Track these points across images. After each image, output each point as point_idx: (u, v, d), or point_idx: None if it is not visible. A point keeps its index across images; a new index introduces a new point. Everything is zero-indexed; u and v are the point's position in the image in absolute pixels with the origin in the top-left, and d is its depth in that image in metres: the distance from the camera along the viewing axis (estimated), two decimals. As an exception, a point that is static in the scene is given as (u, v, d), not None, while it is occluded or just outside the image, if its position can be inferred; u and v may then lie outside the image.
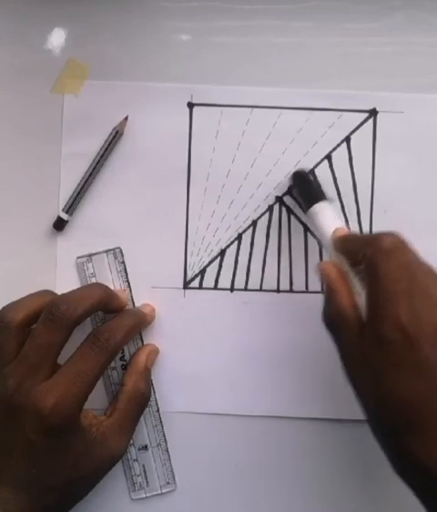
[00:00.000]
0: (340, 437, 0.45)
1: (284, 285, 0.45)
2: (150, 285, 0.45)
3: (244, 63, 0.45)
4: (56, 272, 0.46)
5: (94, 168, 0.45)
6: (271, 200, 0.46)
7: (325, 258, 0.45)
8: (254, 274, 0.46)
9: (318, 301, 0.45)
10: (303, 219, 0.46)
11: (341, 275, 0.39)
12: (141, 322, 0.44)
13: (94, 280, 0.45)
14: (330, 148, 0.45)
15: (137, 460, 0.45)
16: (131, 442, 0.45)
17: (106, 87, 0.45)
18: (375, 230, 0.45)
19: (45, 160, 0.45)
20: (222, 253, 0.46)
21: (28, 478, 0.39)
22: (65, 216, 0.45)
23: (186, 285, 0.46)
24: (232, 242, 0.46)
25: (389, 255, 0.36)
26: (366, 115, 0.45)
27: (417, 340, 0.34)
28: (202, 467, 0.45)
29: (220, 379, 0.45)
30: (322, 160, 0.45)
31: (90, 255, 0.45)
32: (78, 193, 0.45)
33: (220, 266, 0.46)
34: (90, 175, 0.45)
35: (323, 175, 0.45)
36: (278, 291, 0.45)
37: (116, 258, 0.45)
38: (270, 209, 0.46)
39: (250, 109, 0.45)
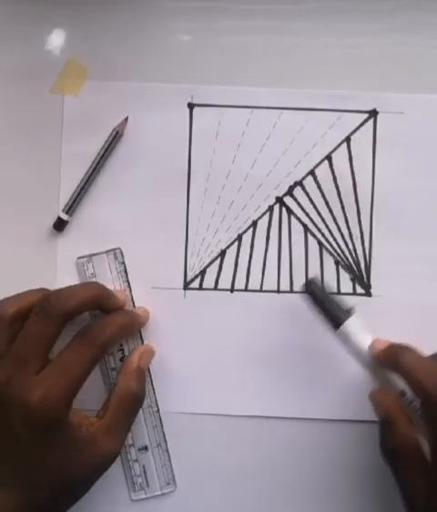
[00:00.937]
0: (340, 438, 0.45)
1: (284, 286, 0.45)
2: (150, 286, 0.45)
3: (244, 63, 0.45)
4: (57, 273, 0.46)
5: (94, 169, 0.45)
6: (271, 201, 0.46)
7: (327, 269, 0.46)
8: (254, 275, 0.46)
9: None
10: (303, 219, 0.46)
11: (398, 406, 0.40)
12: (133, 321, 0.44)
13: (94, 280, 0.45)
14: (331, 149, 0.45)
15: (137, 461, 0.45)
16: (131, 442, 0.45)
17: (106, 87, 0.45)
18: (375, 230, 0.45)
19: (46, 161, 0.45)
20: (222, 254, 0.46)
21: (17, 477, 0.39)
22: (65, 216, 0.45)
23: (186, 286, 0.46)
24: (232, 243, 0.46)
25: None
26: (366, 115, 0.45)
27: None
28: (202, 468, 0.45)
29: (220, 380, 0.45)
30: (322, 161, 0.45)
31: (90, 255, 0.45)
32: (78, 194, 0.45)
33: (220, 267, 0.46)
34: (90, 176, 0.45)
35: (323, 175, 0.45)
36: (278, 291, 0.45)
37: (116, 258, 0.45)
38: (271, 209, 0.46)
39: (250, 110, 0.45)
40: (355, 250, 0.45)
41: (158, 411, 0.45)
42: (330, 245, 0.46)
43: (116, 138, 0.45)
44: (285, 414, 0.45)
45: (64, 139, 0.45)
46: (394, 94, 0.45)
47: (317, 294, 0.42)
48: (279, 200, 0.46)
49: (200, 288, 0.46)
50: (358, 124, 0.45)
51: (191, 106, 0.45)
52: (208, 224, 0.46)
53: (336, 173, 0.45)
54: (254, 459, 0.45)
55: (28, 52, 0.45)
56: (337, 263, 0.46)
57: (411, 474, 0.38)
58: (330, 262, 0.46)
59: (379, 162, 0.45)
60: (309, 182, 0.45)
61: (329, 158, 0.45)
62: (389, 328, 0.45)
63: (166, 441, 0.45)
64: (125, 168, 0.45)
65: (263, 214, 0.46)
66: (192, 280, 0.46)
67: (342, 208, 0.45)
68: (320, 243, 0.46)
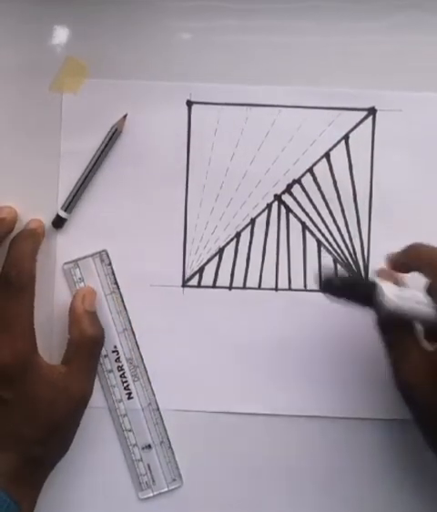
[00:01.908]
0: (341, 434, 0.45)
1: (282, 283, 0.45)
2: (149, 283, 0.45)
3: (243, 61, 0.45)
4: (56, 270, 0.46)
5: (93, 167, 0.45)
6: (270, 199, 0.46)
7: (324, 259, 0.46)
8: (252, 272, 0.46)
9: (316, 298, 0.45)
10: (302, 217, 0.46)
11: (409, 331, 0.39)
12: (37, 239, 0.44)
13: (82, 285, 0.45)
14: (329, 147, 0.45)
15: (141, 460, 0.45)
16: (134, 442, 0.45)
17: (105, 85, 0.45)
18: (373, 228, 0.45)
19: (44, 158, 0.45)
20: (221, 252, 0.46)
21: (8, 435, 0.41)
22: (64, 214, 0.45)
23: (184, 283, 0.46)
24: (231, 241, 0.46)
25: None
26: (365, 113, 0.45)
27: None
28: (207, 462, 0.46)
29: (219, 377, 0.45)
30: (321, 159, 0.45)
31: (76, 260, 0.45)
32: (77, 191, 0.45)
33: (219, 264, 0.46)
34: (89, 173, 0.45)
35: (322, 173, 0.45)
36: (276, 289, 0.45)
37: (102, 261, 0.45)
38: (269, 207, 0.46)
39: (249, 108, 0.45)
40: (353, 247, 0.45)
41: (158, 409, 0.45)
42: (329, 243, 0.46)
43: (114, 135, 0.45)
44: (284, 412, 0.45)
45: (62, 137, 0.45)
46: (393, 92, 0.45)
47: (338, 288, 0.40)
48: (278, 198, 0.46)
49: (199, 285, 0.46)
50: (356, 122, 0.45)
51: (190, 103, 0.45)
52: (207, 222, 0.46)
53: (334, 171, 0.45)
54: (257, 455, 0.46)
55: (27, 49, 0.45)
56: (335, 261, 0.46)
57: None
58: (328, 260, 0.46)
59: (377, 160, 0.45)
60: (307, 180, 0.45)
61: (327, 155, 0.45)
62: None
63: (168, 438, 0.45)
64: (124, 165, 0.45)
65: (261, 212, 0.46)
66: (190, 277, 0.46)
67: (341, 206, 0.45)
68: (318, 241, 0.46)
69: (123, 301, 0.46)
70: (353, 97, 0.45)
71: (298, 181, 0.46)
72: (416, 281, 0.39)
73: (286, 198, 0.46)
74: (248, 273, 0.46)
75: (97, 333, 0.44)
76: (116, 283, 0.45)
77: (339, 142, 0.45)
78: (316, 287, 0.45)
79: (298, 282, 0.45)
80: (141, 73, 0.45)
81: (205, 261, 0.46)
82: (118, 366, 0.45)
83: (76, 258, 0.45)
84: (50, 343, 0.44)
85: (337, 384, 0.45)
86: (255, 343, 0.45)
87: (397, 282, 0.40)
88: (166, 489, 0.45)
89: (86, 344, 0.43)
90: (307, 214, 0.46)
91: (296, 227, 0.46)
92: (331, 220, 0.46)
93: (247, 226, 0.46)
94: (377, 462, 0.45)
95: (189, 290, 0.46)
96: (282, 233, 0.46)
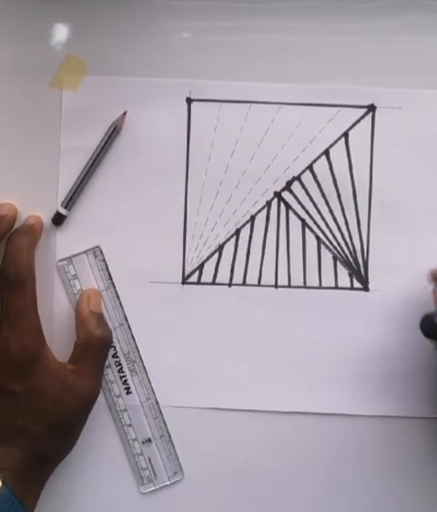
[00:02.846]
0: (338, 430, 0.46)
1: (282, 280, 0.46)
2: (148, 280, 0.46)
3: (242, 59, 0.45)
4: (56, 267, 0.46)
5: (92, 164, 0.45)
6: (270, 196, 0.46)
7: (325, 264, 0.46)
8: (252, 269, 0.46)
9: (315, 296, 0.46)
10: (301, 214, 0.46)
11: None
12: (34, 235, 0.44)
13: (76, 282, 0.45)
14: (329, 144, 0.45)
15: (142, 454, 0.46)
16: (134, 436, 0.45)
17: (105, 82, 0.45)
18: (373, 225, 0.45)
19: (44, 155, 0.45)
20: (220, 248, 0.46)
21: (16, 431, 0.41)
22: (63, 211, 0.45)
23: (184, 280, 0.46)
24: (230, 237, 0.46)
25: None
26: (364, 110, 0.45)
27: None
28: (208, 455, 0.46)
29: (218, 374, 0.45)
30: (320, 156, 0.45)
31: (70, 257, 0.45)
32: (77, 188, 0.45)
33: (218, 261, 0.46)
34: (89, 170, 0.45)
35: (321, 170, 0.45)
36: (275, 286, 0.46)
37: (96, 257, 0.46)
38: (269, 204, 0.46)
39: (249, 105, 0.45)
40: (353, 244, 0.46)
41: (157, 402, 0.46)
42: (328, 240, 0.46)
43: (114, 132, 0.45)
44: (284, 409, 0.46)
45: (62, 134, 0.45)
46: (392, 89, 0.45)
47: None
48: (278, 195, 0.46)
49: (198, 282, 0.46)
50: (356, 119, 0.45)
51: (190, 101, 0.45)
52: (207, 219, 0.46)
53: (334, 168, 0.45)
54: (257, 450, 0.46)
55: (27, 46, 0.45)
56: (335, 258, 0.46)
57: None
58: (327, 257, 0.46)
59: (377, 157, 0.45)
60: (307, 177, 0.45)
61: (327, 153, 0.45)
62: (386, 323, 0.45)
63: (168, 431, 0.46)
64: (123, 162, 0.45)
65: (261, 209, 0.46)
66: (190, 274, 0.46)
67: (340, 203, 0.45)
68: (317, 238, 0.46)
69: (118, 296, 0.46)
70: (353, 94, 0.45)
71: (297, 178, 0.46)
72: None
73: (286, 195, 0.46)
74: (248, 270, 0.46)
75: (105, 334, 0.44)
76: (110, 279, 0.46)
77: (338, 139, 0.45)
78: (315, 284, 0.46)
79: (297, 279, 0.45)
80: (141, 70, 0.45)
81: (205, 257, 0.46)
82: (116, 362, 0.46)
83: (69, 255, 0.46)
84: (50, 340, 0.44)
85: (336, 381, 0.45)
86: (254, 340, 0.45)
87: None
88: (167, 483, 0.46)
89: (94, 345, 0.44)
90: (306, 211, 0.46)
91: (295, 224, 0.46)
92: (331, 218, 0.46)
93: (246, 223, 0.46)
94: (379, 459, 0.45)
95: (189, 286, 0.46)
96: (282, 230, 0.46)
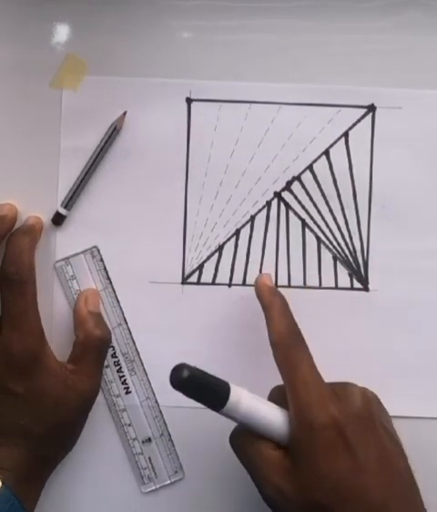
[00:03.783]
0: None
1: (282, 280, 0.46)
2: (148, 280, 0.46)
3: (242, 59, 0.45)
4: (55, 267, 0.46)
5: (92, 164, 0.45)
6: (269, 196, 0.46)
7: (325, 264, 0.46)
8: (252, 270, 0.46)
9: (315, 296, 0.46)
10: (301, 214, 0.46)
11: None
12: (34, 235, 0.44)
13: (74, 282, 0.45)
14: (329, 144, 0.45)
15: (142, 453, 0.46)
16: (134, 436, 0.45)
17: (105, 82, 0.45)
18: (373, 225, 0.45)
19: (44, 155, 0.45)
20: (220, 249, 0.46)
21: (17, 431, 0.41)
22: (63, 211, 0.45)
23: (184, 280, 0.46)
24: (230, 238, 0.46)
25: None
26: (364, 110, 0.45)
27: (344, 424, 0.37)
28: (209, 454, 0.46)
29: (218, 374, 0.45)
30: (320, 156, 0.45)
31: (68, 257, 0.45)
32: (77, 188, 0.45)
33: (218, 261, 0.46)
34: (89, 170, 0.45)
35: (321, 170, 0.45)
36: (276, 286, 0.46)
37: (93, 257, 0.46)
38: (269, 204, 0.46)
39: (249, 105, 0.45)
40: (353, 245, 0.46)
41: (157, 402, 0.46)
42: (328, 240, 0.46)
43: (114, 132, 0.45)
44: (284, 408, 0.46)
45: (62, 134, 0.45)
46: (392, 89, 0.45)
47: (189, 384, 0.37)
48: (278, 195, 0.46)
49: (198, 282, 0.46)
50: (356, 119, 0.45)
51: (189, 101, 0.45)
52: (207, 219, 0.46)
53: (334, 168, 0.45)
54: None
55: (27, 46, 0.45)
56: (335, 258, 0.46)
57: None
58: (327, 257, 0.46)
59: (377, 157, 0.45)
60: (307, 177, 0.46)
61: (327, 153, 0.45)
62: (386, 323, 0.45)
63: (168, 430, 0.46)
64: (123, 162, 0.45)
65: (261, 209, 0.46)
66: (190, 274, 0.46)
67: (340, 203, 0.45)
68: (317, 238, 0.46)
69: (116, 296, 0.46)
70: (353, 94, 0.45)
71: (297, 178, 0.46)
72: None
73: (285, 195, 0.46)
74: (248, 270, 0.46)
75: (103, 334, 0.44)
76: (108, 279, 0.46)
77: (338, 139, 0.45)
78: (315, 284, 0.46)
79: (297, 280, 0.45)
80: (141, 70, 0.45)
81: (204, 258, 0.46)
82: (115, 361, 0.46)
83: (67, 255, 0.46)
84: (50, 340, 0.44)
85: (335, 380, 0.45)
86: (254, 340, 0.45)
87: None
88: (168, 482, 0.46)
89: (93, 345, 0.44)
90: (306, 211, 0.46)
91: (295, 224, 0.46)
92: (331, 218, 0.46)
93: (246, 223, 0.46)
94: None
95: (189, 287, 0.46)
96: (282, 230, 0.46)
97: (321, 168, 0.45)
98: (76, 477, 0.46)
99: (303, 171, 0.46)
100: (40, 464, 0.42)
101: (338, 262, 0.46)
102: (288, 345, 0.40)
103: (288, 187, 0.46)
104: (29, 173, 0.46)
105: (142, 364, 0.46)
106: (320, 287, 0.46)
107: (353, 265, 0.46)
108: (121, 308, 0.46)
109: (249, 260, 0.46)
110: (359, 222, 0.45)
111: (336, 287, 0.46)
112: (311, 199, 0.46)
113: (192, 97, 0.45)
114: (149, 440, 0.46)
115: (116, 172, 0.45)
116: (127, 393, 0.46)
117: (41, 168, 0.45)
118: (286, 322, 0.41)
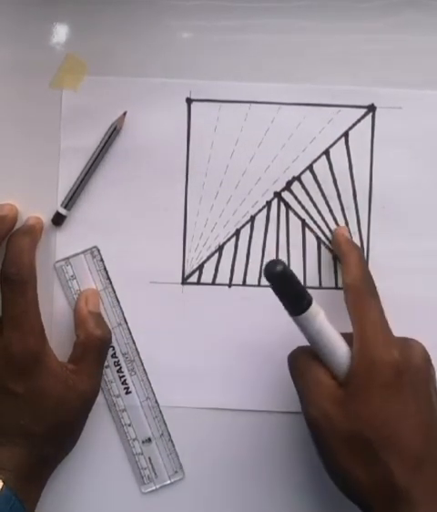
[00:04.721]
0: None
1: (282, 281, 0.46)
2: (148, 280, 0.46)
3: (243, 59, 0.45)
4: (55, 267, 0.46)
5: (92, 164, 0.45)
6: (270, 196, 0.46)
7: (325, 265, 0.46)
8: (252, 270, 0.46)
9: (315, 296, 0.45)
10: (301, 215, 0.46)
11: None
12: (35, 236, 0.44)
13: (74, 282, 0.45)
14: (329, 144, 0.45)
15: (142, 454, 0.46)
16: (134, 436, 0.45)
17: (105, 82, 0.45)
18: (373, 225, 0.45)
19: (44, 155, 0.45)
20: (220, 249, 0.46)
21: (18, 432, 0.41)
22: (63, 211, 0.45)
23: (184, 281, 0.46)
24: (230, 238, 0.46)
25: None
26: (364, 110, 0.45)
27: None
28: (208, 454, 0.46)
29: (218, 374, 0.46)
30: (320, 156, 0.45)
31: (68, 258, 0.45)
32: (77, 188, 0.45)
33: (218, 261, 0.46)
34: (88, 170, 0.45)
35: (321, 171, 0.45)
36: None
37: (93, 257, 0.46)
38: (269, 204, 0.46)
39: (249, 105, 0.45)
40: (353, 245, 0.46)
41: (157, 402, 0.46)
42: (328, 240, 0.46)
43: (114, 132, 0.45)
44: (284, 408, 0.46)
45: (62, 134, 0.45)
46: (392, 89, 0.45)
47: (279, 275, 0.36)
48: (278, 196, 0.46)
49: (198, 283, 0.46)
50: (356, 119, 0.45)
51: (189, 101, 0.45)
52: (207, 219, 0.46)
53: (334, 168, 0.45)
54: (257, 449, 0.46)
55: (27, 46, 0.45)
56: (335, 258, 0.46)
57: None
58: (327, 258, 0.46)
59: (377, 157, 0.45)
60: (307, 177, 0.46)
61: (327, 153, 0.45)
62: (386, 323, 0.45)
63: (168, 430, 0.46)
64: (123, 163, 0.45)
65: (261, 209, 0.46)
66: (190, 274, 0.46)
67: (340, 203, 0.45)
68: (317, 238, 0.46)
69: (116, 296, 0.46)
70: (353, 94, 0.45)
71: (297, 179, 0.46)
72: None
73: (285, 195, 0.46)
74: (248, 271, 0.46)
75: (104, 334, 0.44)
76: (108, 279, 0.46)
77: (338, 139, 0.45)
78: (315, 284, 0.46)
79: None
80: (141, 70, 0.45)
81: (204, 258, 0.46)
82: (114, 362, 0.46)
83: (67, 255, 0.46)
84: (50, 340, 0.44)
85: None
86: (254, 340, 0.45)
87: None
88: (168, 482, 0.46)
89: (93, 345, 0.44)
90: (306, 211, 0.46)
91: (295, 224, 0.46)
92: (331, 218, 0.46)
93: (246, 223, 0.46)
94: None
95: (189, 287, 0.46)
96: (282, 231, 0.46)
97: (321, 168, 0.45)
98: (76, 477, 0.46)
99: (303, 171, 0.46)
100: (40, 464, 0.42)
101: (338, 262, 0.46)
102: (362, 289, 0.41)
103: (288, 187, 0.46)
104: (29, 173, 0.46)
105: (142, 364, 0.46)
106: (320, 287, 0.46)
107: (353, 265, 0.45)
108: (121, 308, 0.46)
109: (249, 260, 0.46)
110: (359, 222, 0.45)
111: (336, 287, 0.46)
112: (311, 199, 0.46)
113: (192, 97, 0.45)
114: (149, 440, 0.46)
115: (116, 172, 0.45)
116: (127, 393, 0.46)
117: (41, 168, 0.45)
118: (363, 268, 0.42)
